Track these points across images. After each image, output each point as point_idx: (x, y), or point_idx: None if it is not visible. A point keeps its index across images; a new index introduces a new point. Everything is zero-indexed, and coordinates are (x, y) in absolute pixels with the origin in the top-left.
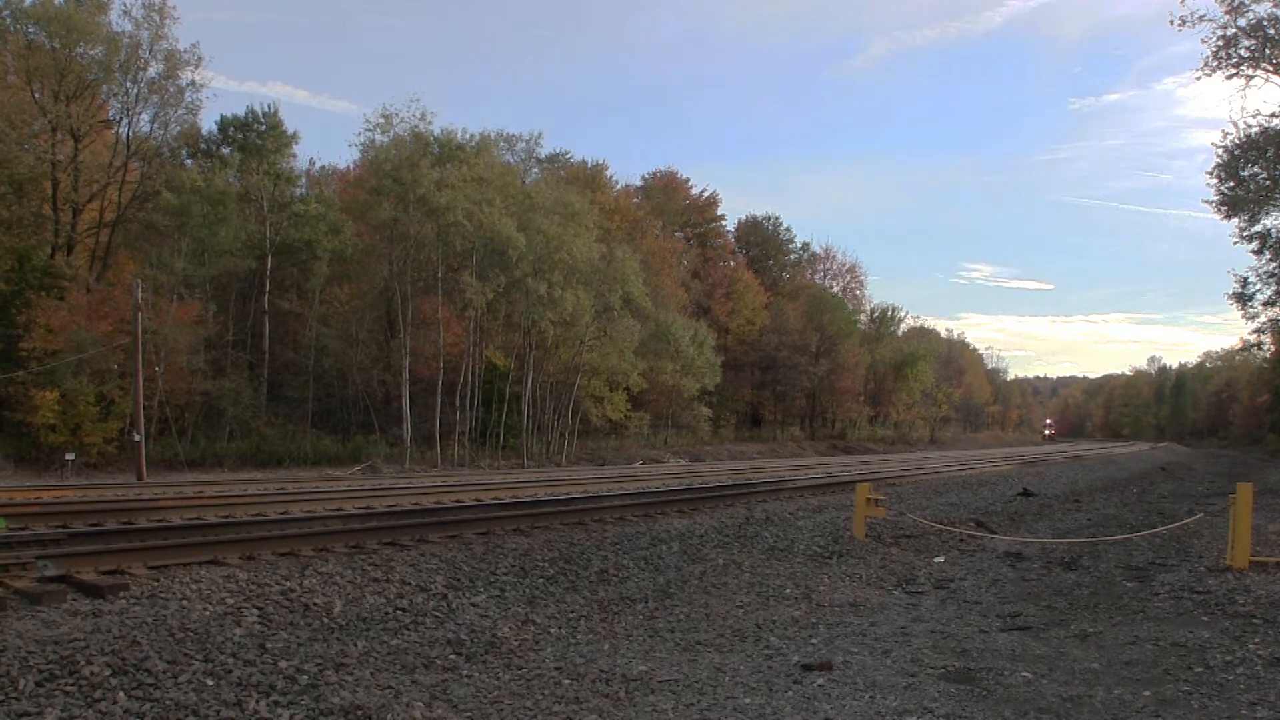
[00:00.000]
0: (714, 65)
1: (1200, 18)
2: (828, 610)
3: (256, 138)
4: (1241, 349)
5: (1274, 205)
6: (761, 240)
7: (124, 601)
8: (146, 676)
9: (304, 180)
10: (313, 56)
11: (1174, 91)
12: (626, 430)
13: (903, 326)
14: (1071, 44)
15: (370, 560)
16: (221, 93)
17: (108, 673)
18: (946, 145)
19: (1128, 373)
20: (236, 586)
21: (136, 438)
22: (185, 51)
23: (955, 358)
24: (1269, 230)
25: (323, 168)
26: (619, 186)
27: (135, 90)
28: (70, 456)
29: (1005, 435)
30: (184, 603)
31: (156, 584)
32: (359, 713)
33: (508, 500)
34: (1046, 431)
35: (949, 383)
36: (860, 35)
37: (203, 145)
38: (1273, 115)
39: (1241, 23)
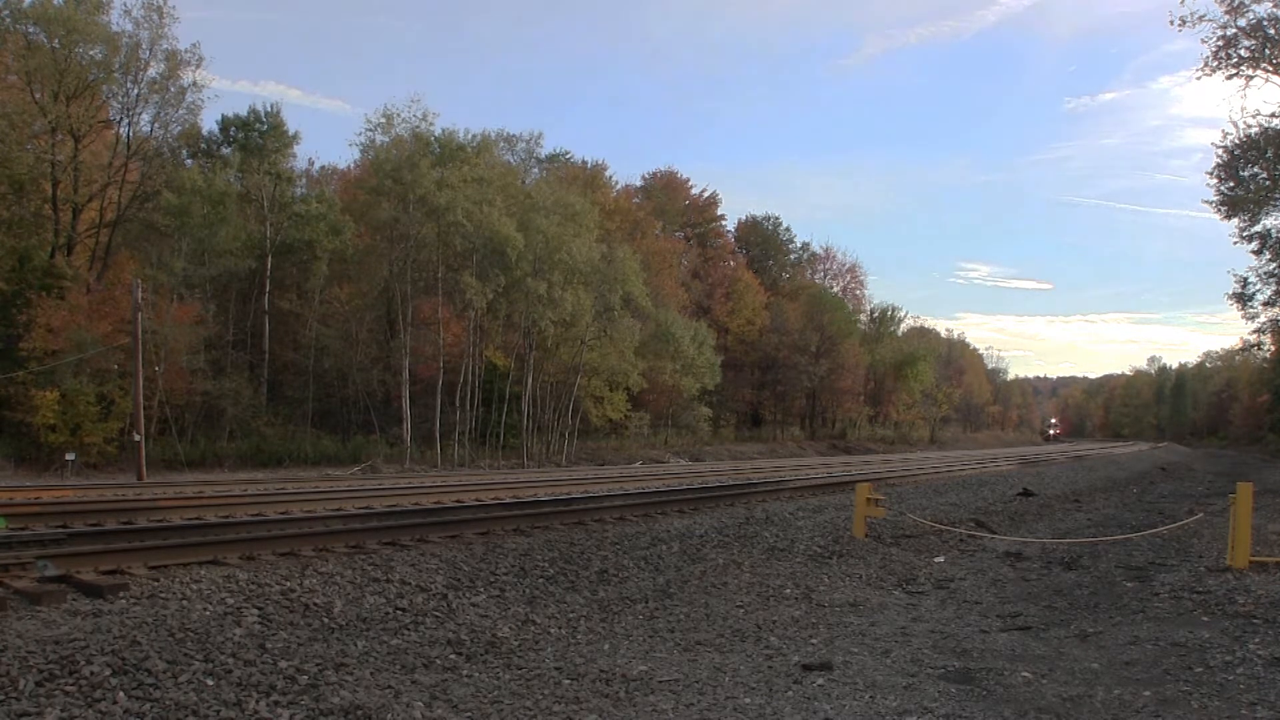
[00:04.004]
0: (713, 64)
1: (1200, 18)
2: (828, 610)
3: (258, 137)
4: (1241, 349)
5: (1274, 205)
6: (761, 240)
7: (124, 601)
8: (146, 676)
9: (303, 180)
10: (307, 56)
11: (1170, 90)
12: (626, 430)
13: (903, 326)
14: (1066, 43)
15: (370, 560)
16: (217, 92)
17: (108, 673)
18: (942, 144)
19: (1127, 373)
20: (236, 586)
21: (136, 438)
22: (186, 51)
23: (955, 358)
24: (1269, 230)
25: (322, 168)
26: (619, 186)
27: (135, 90)
28: (70, 456)
29: (1005, 435)
30: (184, 603)
31: (156, 584)
32: (359, 713)
33: (508, 500)
34: (1051, 431)
35: (949, 383)
36: (856, 33)
37: (203, 145)
38: (1273, 115)
39: (1241, 23)
